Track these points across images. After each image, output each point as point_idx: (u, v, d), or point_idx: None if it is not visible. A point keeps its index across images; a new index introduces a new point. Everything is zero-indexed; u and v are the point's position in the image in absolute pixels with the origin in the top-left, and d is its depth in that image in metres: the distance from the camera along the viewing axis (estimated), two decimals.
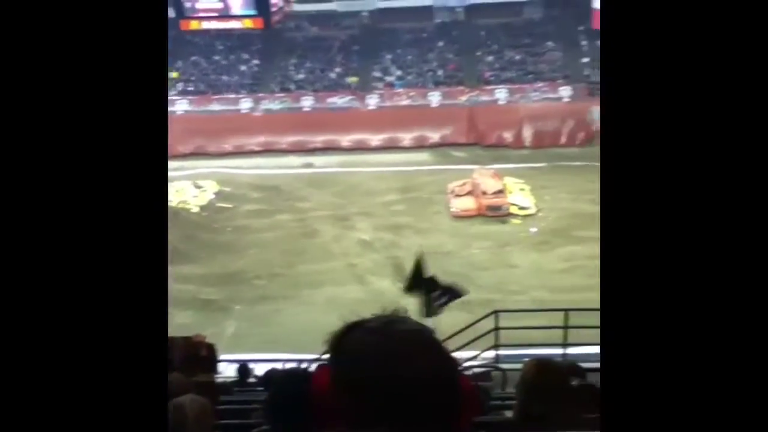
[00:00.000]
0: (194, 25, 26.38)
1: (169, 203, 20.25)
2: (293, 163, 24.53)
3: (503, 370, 7.34)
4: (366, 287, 15.96)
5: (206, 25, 26.45)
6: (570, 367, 5.38)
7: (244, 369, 7.88)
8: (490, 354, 9.13)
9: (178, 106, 26.95)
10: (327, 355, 1.08)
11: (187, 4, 25.64)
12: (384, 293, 15.40)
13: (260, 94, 27.37)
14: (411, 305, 14.31)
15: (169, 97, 27.82)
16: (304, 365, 9.27)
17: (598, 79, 23.37)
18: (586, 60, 27.78)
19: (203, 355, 3.47)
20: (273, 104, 26.81)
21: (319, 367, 1.25)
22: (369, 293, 15.47)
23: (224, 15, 25.79)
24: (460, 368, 1.11)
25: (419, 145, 25.51)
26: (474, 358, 9.08)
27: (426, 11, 30.16)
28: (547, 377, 2.56)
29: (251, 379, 7.88)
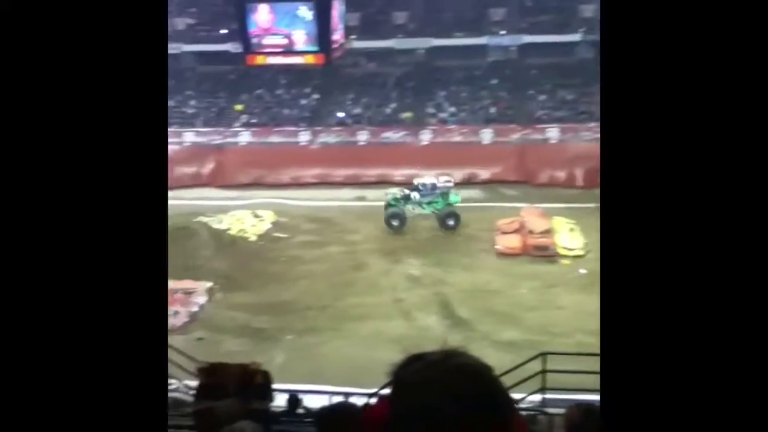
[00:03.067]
0: (260, 60, 27.48)
1: (228, 231, 21.04)
2: (346, 195, 25.09)
3: (550, 415, 7.36)
4: (411, 323, 16.11)
5: (271, 60, 27.50)
6: None
7: (294, 399, 8.19)
8: (537, 397, 9.04)
9: (241, 137, 28.16)
10: (387, 388, 1.14)
11: (254, 40, 26.78)
12: (430, 329, 15.55)
13: (318, 128, 28.27)
14: (458, 343, 14.44)
15: (232, 129, 29.00)
16: (350, 399, 9.55)
17: None
18: None
19: (258, 383, 3.74)
20: (329, 138, 27.64)
21: (377, 399, 1.37)
22: (414, 329, 15.60)
23: (288, 51, 26.77)
24: (514, 407, 1.13)
25: (469, 182, 25.72)
26: (521, 400, 9.07)
27: (480, 50, 30.64)
28: (590, 422, 2.59)
29: (300, 410, 8.18)
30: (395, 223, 20.87)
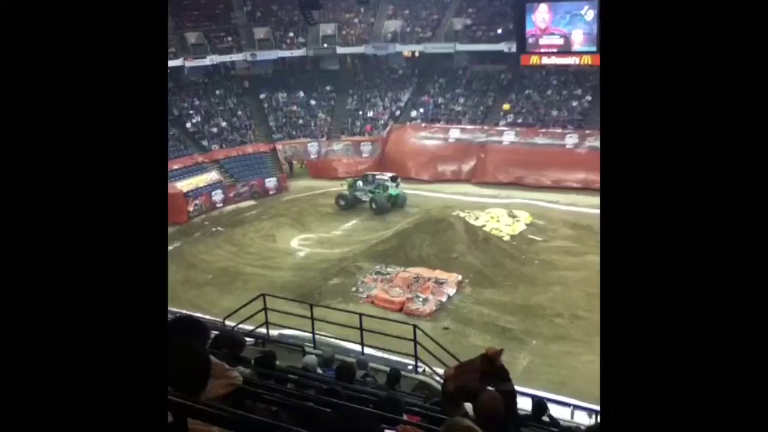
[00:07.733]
0: (534, 60, 27.23)
1: (483, 228, 21.16)
2: None
3: None
4: None
5: (545, 60, 27.06)
6: None
7: (540, 405, 7.75)
8: None
9: (505, 136, 28.12)
10: None
11: (530, 40, 26.57)
12: None
13: (587, 131, 26.93)
14: None
15: (497, 128, 29.07)
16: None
17: None
18: None
19: (499, 365, 3.55)
20: (598, 142, 26.15)
21: None
22: None
23: (564, 51, 26.04)
24: None
25: None
26: None
27: None
28: None
29: (545, 418, 7.70)
30: (342, 203, 25.55)
